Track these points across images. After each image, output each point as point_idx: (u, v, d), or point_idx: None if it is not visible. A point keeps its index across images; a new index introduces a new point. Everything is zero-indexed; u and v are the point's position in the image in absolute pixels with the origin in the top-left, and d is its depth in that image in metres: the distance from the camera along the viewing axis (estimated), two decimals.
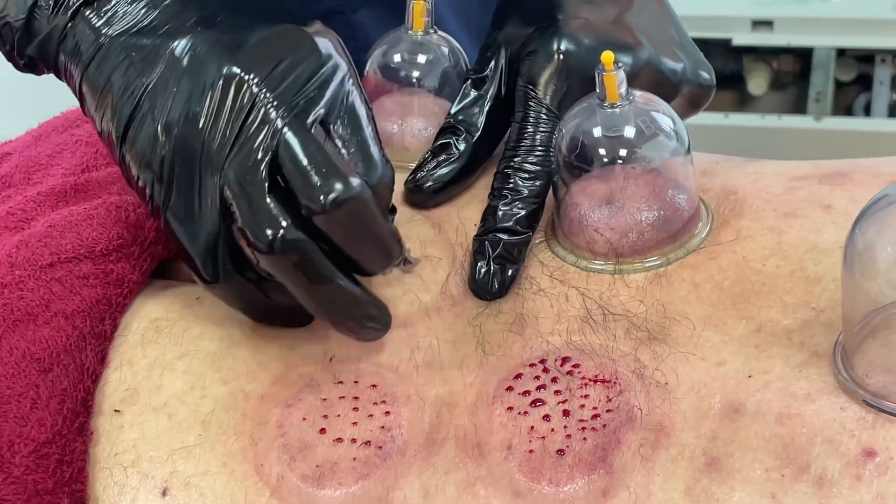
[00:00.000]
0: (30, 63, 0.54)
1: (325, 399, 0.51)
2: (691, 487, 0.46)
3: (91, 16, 0.51)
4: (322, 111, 0.48)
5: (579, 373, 0.50)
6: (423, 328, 0.54)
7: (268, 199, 0.47)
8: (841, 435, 0.46)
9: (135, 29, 0.50)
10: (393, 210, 0.51)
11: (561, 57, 0.57)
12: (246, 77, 0.48)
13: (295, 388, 0.51)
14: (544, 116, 0.57)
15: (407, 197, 0.60)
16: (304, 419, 0.50)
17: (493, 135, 0.60)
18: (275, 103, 0.47)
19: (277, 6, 0.51)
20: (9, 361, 0.51)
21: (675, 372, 0.49)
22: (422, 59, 0.63)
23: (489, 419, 0.49)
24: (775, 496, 0.45)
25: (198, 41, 0.49)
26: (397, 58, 0.64)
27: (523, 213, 0.55)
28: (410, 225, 0.58)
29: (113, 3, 0.51)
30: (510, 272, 0.55)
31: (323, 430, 0.49)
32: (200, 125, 0.48)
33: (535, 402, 0.49)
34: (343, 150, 0.49)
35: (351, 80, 0.50)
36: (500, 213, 0.55)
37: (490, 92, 0.60)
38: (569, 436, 0.48)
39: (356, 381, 0.51)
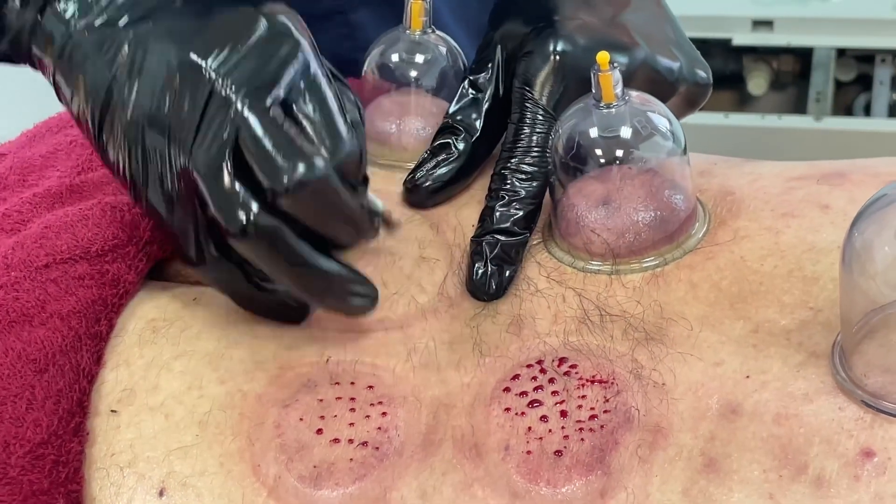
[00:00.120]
0: (5, 57, 0.55)
1: (321, 400, 0.51)
2: (689, 488, 0.46)
3: (59, 8, 0.52)
4: (280, 92, 0.48)
5: (576, 373, 0.50)
6: (420, 329, 0.54)
7: (236, 185, 0.47)
8: (839, 435, 0.46)
9: (100, 18, 0.51)
10: (365, 180, 0.51)
11: (557, 58, 0.58)
12: (202, 63, 0.49)
13: (292, 388, 0.51)
14: (541, 117, 0.57)
15: (405, 196, 0.60)
16: (302, 420, 0.50)
17: (492, 135, 0.60)
18: (232, 87, 0.48)
19: None
20: (4, 362, 0.51)
21: (672, 372, 0.50)
22: (420, 58, 0.64)
23: (486, 420, 0.49)
24: (773, 497, 0.45)
25: (158, 28, 0.50)
26: (395, 57, 0.64)
27: (520, 214, 0.56)
28: (409, 226, 0.58)
29: None
30: (507, 273, 0.55)
31: (320, 431, 0.50)
32: (167, 113, 0.48)
33: (533, 403, 0.49)
34: (308, 128, 0.49)
35: (313, 58, 0.50)
36: (497, 214, 0.56)
37: (488, 92, 0.60)
38: (566, 437, 0.48)
39: (353, 382, 0.51)
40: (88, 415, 0.51)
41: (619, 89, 0.53)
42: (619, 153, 0.54)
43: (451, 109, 0.60)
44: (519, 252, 0.56)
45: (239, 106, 0.48)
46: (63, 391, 0.51)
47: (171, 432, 0.50)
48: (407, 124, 0.63)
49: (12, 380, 0.51)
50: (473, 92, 0.60)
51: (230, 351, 0.53)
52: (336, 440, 0.49)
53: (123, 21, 0.51)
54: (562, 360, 0.51)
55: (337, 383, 0.51)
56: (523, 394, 0.50)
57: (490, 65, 0.60)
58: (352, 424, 0.50)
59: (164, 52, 0.49)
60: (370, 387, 0.51)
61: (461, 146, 0.59)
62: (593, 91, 0.54)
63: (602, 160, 0.54)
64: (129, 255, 0.57)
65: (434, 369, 0.52)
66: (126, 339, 0.54)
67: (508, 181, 0.56)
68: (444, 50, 0.64)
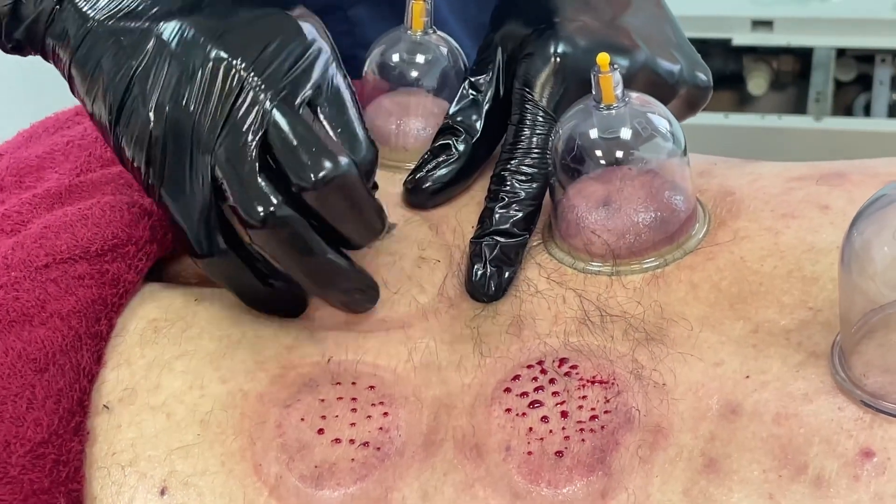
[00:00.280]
0: (17, 46, 0.55)
1: (323, 400, 0.51)
2: (689, 489, 0.47)
3: (78, 0, 0.52)
4: (309, 93, 0.50)
5: (577, 374, 0.51)
6: (420, 330, 0.54)
7: (259, 178, 0.49)
8: (838, 435, 0.46)
9: (122, 13, 0.52)
10: (375, 186, 0.53)
11: (557, 59, 0.58)
12: (233, 61, 0.50)
13: (293, 388, 0.52)
14: (541, 119, 0.58)
15: (406, 197, 0.61)
16: (303, 419, 0.51)
17: (492, 136, 0.61)
18: (263, 86, 0.50)
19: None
20: (4, 362, 0.52)
21: (672, 373, 0.50)
22: (420, 59, 0.64)
23: (487, 420, 0.50)
24: (773, 497, 0.46)
25: (185, 25, 0.51)
26: (396, 58, 0.64)
27: (520, 215, 0.56)
28: (409, 226, 0.59)
29: None
30: (507, 274, 0.55)
31: (321, 431, 0.50)
32: (191, 109, 0.50)
33: (534, 404, 0.50)
34: (330, 131, 0.51)
35: (334, 64, 0.52)
36: (496, 215, 0.56)
37: (488, 93, 0.61)
38: (567, 437, 0.49)
39: (354, 382, 0.52)
40: (89, 414, 0.52)
41: (619, 91, 0.54)
42: (620, 154, 0.54)
43: (452, 110, 0.61)
44: (518, 253, 0.56)
45: (269, 104, 0.49)
46: (63, 390, 0.51)
47: (172, 431, 0.51)
48: (407, 125, 0.64)
49: (13, 379, 0.51)
50: (474, 93, 0.61)
51: (231, 351, 0.54)
52: (337, 440, 0.50)
53: (147, 17, 0.52)
54: (562, 361, 0.51)
55: (338, 383, 0.52)
56: (524, 394, 0.50)
57: (490, 66, 0.61)
58: (353, 424, 0.50)
59: (192, 49, 0.50)
60: (371, 387, 0.52)
61: (461, 147, 0.60)
62: (593, 92, 0.54)
63: (602, 161, 0.54)
64: (128, 254, 0.57)
65: (435, 370, 0.53)
66: (127, 339, 0.55)
67: (508, 182, 0.57)
68: (445, 50, 0.65)
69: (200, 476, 0.50)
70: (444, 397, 0.52)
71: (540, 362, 0.52)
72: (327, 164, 0.49)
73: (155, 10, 0.52)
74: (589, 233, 0.55)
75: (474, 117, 0.60)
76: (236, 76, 0.50)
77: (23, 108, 0.94)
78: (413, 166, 0.61)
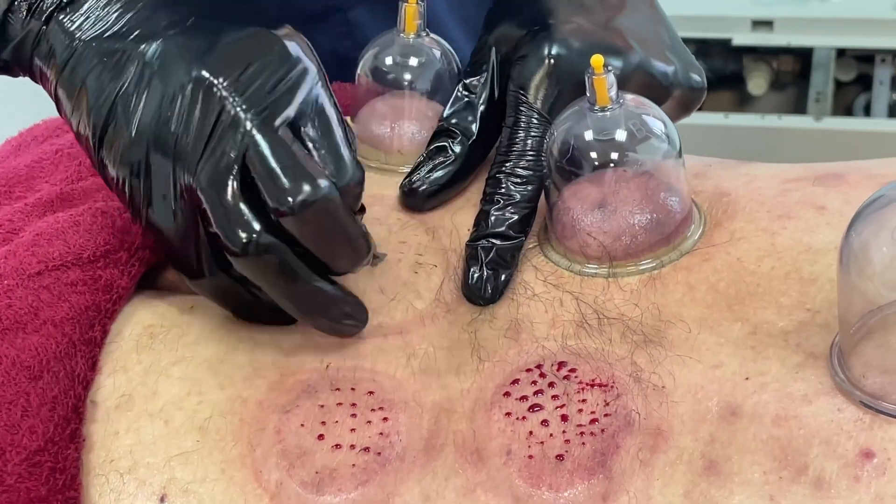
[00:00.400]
0: (4, 67, 0.56)
1: (322, 406, 0.52)
2: (690, 491, 0.48)
3: (65, 20, 0.53)
4: (290, 113, 0.50)
5: (576, 377, 0.51)
6: (418, 335, 0.55)
7: (240, 204, 0.49)
8: (838, 436, 0.47)
9: (108, 33, 0.52)
10: (362, 210, 0.53)
11: (552, 61, 0.59)
12: (214, 81, 0.50)
13: (292, 394, 0.53)
14: (535, 121, 0.59)
15: (402, 200, 0.61)
16: (303, 425, 0.51)
17: (487, 138, 0.61)
18: (243, 107, 0.49)
19: (251, 8, 0.53)
20: None
21: (671, 375, 0.51)
22: (414, 61, 0.65)
23: (488, 425, 0.51)
24: (773, 498, 0.47)
25: (168, 45, 0.51)
26: (389, 60, 0.65)
27: (515, 217, 0.57)
28: (405, 231, 0.60)
29: (86, 7, 0.53)
30: (503, 277, 0.56)
31: (321, 437, 0.51)
32: (172, 129, 0.50)
33: (533, 408, 0.51)
34: (314, 153, 0.51)
35: (320, 84, 0.52)
36: (492, 218, 0.57)
37: (483, 95, 0.61)
38: (567, 441, 0.49)
39: (353, 388, 0.53)
40: (85, 421, 0.52)
41: (613, 92, 0.55)
42: (615, 156, 0.55)
43: (447, 113, 0.62)
44: (514, 256, 0.57)
45: (248, 125, 0.49)
46: (58, 397, 0.52)
47: (171, 438, 0.51)
48: (402, 128, 0.64)
49: (7, 387, 0.52)
50: (468, 95, 0.61)
51: (229, 357, 0.54)
52: (338, 446, 0.51)
53: (132, 37, 0.52)
54: (561, 364, 0.52)
55: (337, 389, 0.53)
56: (524, 398, 0.51)
57: (485, 68, 0.62)
58: (353, 430, 0.51)
59: (174, 70, 0.51)
60: (370, 392, 0.53)
61: (457, 149, 0.61)
62: (588, 94, 0.55)
63: (597, 163, 0.55)
64: (121, 260, 0.58)
65: (434, 375, 0.53)
66: (123, 345, 0.55)
67: (503, 185, 0.58)
68: (438, 53, 0.65)
69: (200, 483, 0.50)
70: (444, 402, 0.52)
71: (539, 366, 0.52)
72: (306, 188, 0.48)
73: (140, 30, 0.52)
74: (585, 235, 0.56)
75: (469, 119, 0.61)
76: (217, 96, 0.50)
77: (11, 113, 0.95)
78: (408, 169, 0.62)
